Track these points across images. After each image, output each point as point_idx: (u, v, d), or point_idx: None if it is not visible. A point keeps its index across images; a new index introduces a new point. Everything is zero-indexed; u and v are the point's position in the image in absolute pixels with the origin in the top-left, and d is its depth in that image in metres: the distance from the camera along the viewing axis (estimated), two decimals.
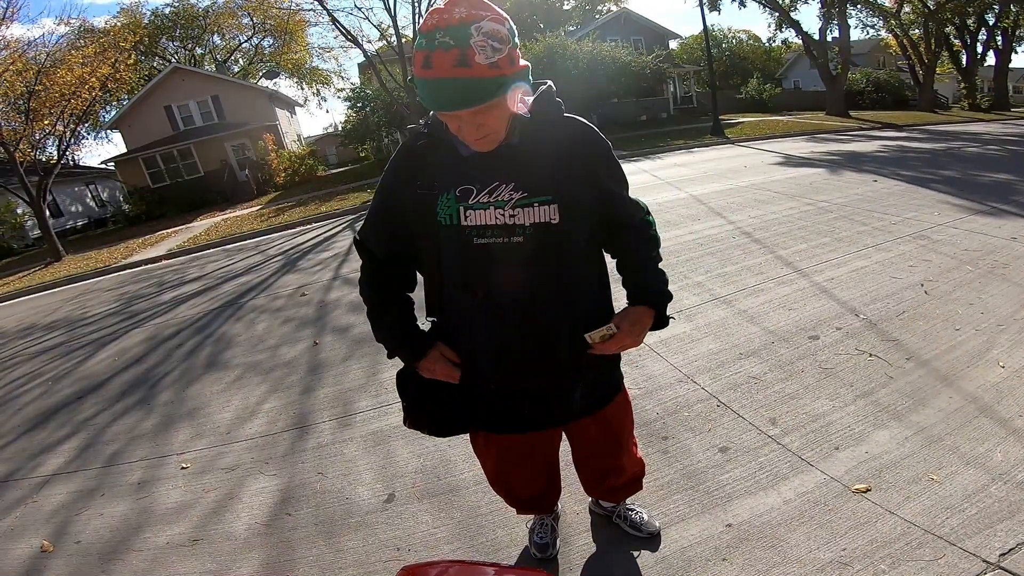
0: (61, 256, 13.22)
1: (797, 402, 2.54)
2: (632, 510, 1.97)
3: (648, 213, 1.26)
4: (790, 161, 10.08)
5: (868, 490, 1.90)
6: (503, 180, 1.04)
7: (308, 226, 11.07)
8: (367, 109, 20.43)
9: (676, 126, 19.99)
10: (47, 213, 13.92)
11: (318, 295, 5.81)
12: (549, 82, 1.13)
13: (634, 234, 1.25)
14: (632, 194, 1.26)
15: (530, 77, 1.00)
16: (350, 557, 2.06)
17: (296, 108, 31.18)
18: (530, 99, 1.06)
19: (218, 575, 2.08)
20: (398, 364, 1.37)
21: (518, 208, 1.04)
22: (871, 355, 2.81)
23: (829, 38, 23.06)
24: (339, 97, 62.88)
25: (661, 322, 1.25)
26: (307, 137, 35.30)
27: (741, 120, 20.60)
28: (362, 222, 1.27)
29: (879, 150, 10.93)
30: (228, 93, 23.26)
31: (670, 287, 1.27)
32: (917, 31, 24.19)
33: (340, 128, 25.26)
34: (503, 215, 1.04)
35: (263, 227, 11.62)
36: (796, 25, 22.77)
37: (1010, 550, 1.58)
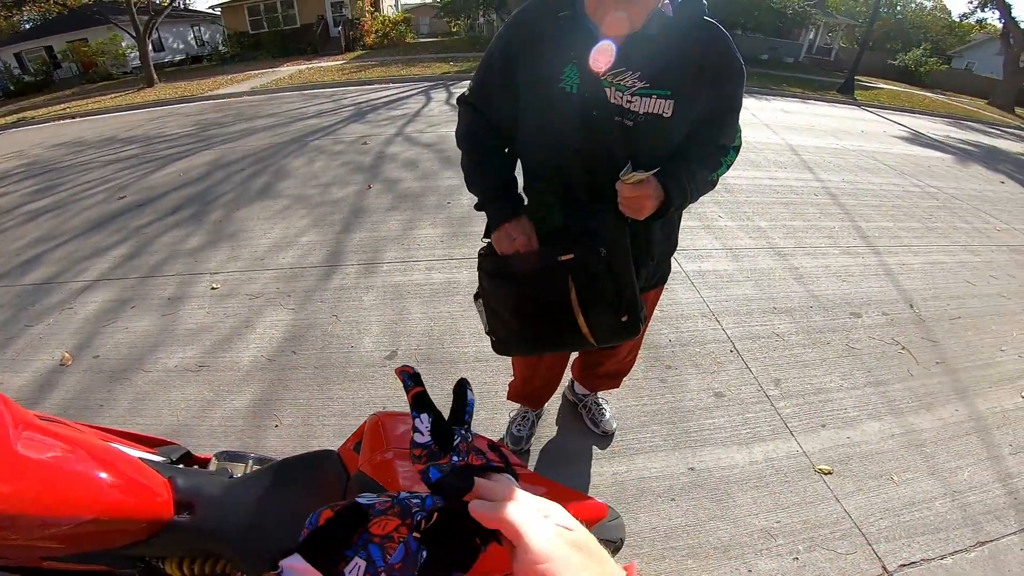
0: (154, 83, 13.58)
1: (808, 371, 2.44)
2: (599, 405, 2.01)
3: (737, 147, 1.22)
4: (917, 139, 8.80)
5: (829, 473, 1.90)
6: (630, 67, 1.05)
7: (386, 85, 10.87)
8: None
9: (800, 74, 17.74)
10: (149, 47, 14.24)
11: (378, 147, 5.79)
12: None
13: (711, 152, 1.20)
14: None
15: None
16: (336, 407, 2.12)
17: None
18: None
19: (212, 404, 2.15)
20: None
21: (636, 96, 1.05)
22: (903, 348, 2.68)
23: None
24: None
25: (659, 213, 1.14)
26: (405, 3, 34.06)
27: (881, 86, 17.89)
28: (468, 83, 1.25)
29: None
30: None
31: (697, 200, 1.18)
32: None
33: (438, 0, 23.99)
34: (621, 98, 1.06)
35: (343, 79, 11.66)
36: (1006, 8, 18.58)
37: (911, 563, 1.59)
